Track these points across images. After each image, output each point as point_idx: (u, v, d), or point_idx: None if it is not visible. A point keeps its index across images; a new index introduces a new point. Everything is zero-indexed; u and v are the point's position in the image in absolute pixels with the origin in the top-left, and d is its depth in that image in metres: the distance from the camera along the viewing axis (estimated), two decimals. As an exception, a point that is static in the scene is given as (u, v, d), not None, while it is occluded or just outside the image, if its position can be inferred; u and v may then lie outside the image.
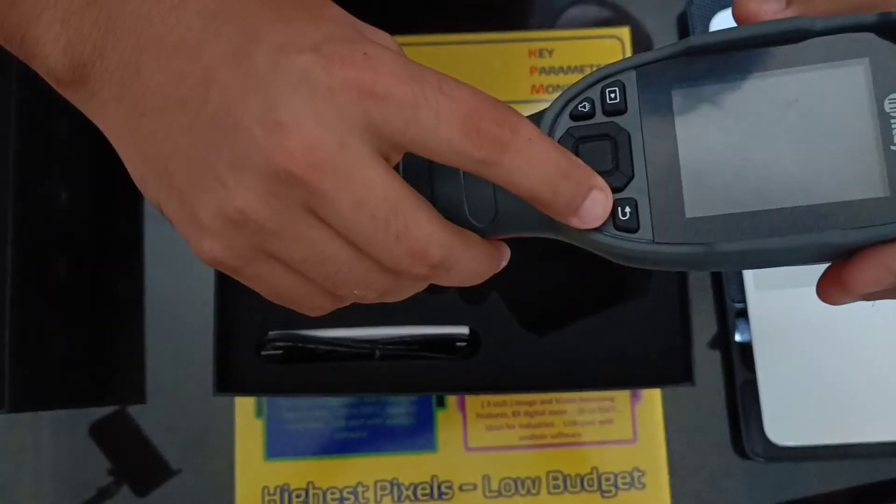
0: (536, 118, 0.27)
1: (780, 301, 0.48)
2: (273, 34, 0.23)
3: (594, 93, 0.27)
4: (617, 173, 0.26)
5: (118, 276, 0.51)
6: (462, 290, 0.46)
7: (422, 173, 0.27)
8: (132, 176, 0.26)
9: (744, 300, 0.49)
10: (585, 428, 0.49)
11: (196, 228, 0.25)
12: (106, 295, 0.51)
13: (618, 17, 0.54)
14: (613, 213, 0.26)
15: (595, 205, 0.25)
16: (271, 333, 0.45)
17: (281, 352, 0.45)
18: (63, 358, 0.47)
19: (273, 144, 0.22)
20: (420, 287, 0.28)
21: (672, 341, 0.46)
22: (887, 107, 0.24)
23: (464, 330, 0.46)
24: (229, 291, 0.46)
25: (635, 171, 0.26)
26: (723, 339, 0.50)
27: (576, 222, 0.25)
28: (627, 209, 0.26)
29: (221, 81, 0.23)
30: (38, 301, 0.45)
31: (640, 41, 0.54)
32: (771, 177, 0.25)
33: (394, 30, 0.51)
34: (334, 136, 0.23)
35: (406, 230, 0.24)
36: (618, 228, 0.26)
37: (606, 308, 0.46)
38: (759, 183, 0.25)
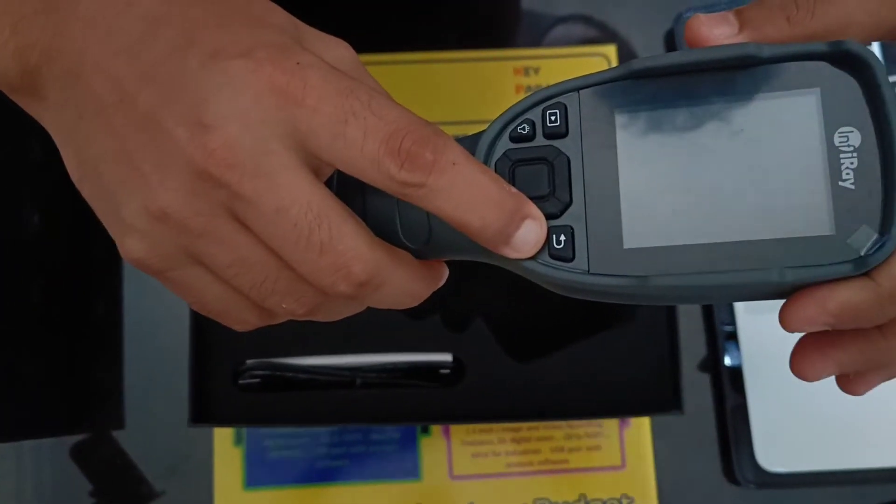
0: (476, 138, 0.26)
1: (770, 324, 0.47)
2: (208, 39, 0.23)
3: (535, 114, 0.26)
4: (553, 199, 0.25)
5: (94, 300, 0.50)
6: (445, 316, 0.45)
7: (355, 190, 0.26)
8: (72, 179, 0.26)
9: (734, 323, 0.48)
10: (573, 454, 0.48)
11: (121, 227, 0.25)
12: (82, 320, 0.50)
13: (604, 35, 0.54)
14: (548, 240, 0.25)
15: (528, 234, 0.24)
16: (249, 362, 0.44)
17: (259, 380, 0.44)
18: (37, 386, 0.46)
19: (194, 144, 0.23)
20: (355, 307, 0.27)
21: (660, 368, 0.45)
22: (837, 140, 0.23)
23: (447, 357, 0.45)
24: (205, 319, 0.44)
25: (573, 197, 0.25)
26: (712, 363, 0.49)
27: (508, 252, 0.25)
28: (563, 237, 0.25)
29: (154, 84, 0.23)
30: (10, 327, 0.44)
31: (627, 59, 0.53)
32: (713, 209, 0.24)
33: (379, 47, 0.51)
34: (257, 139, 0.23)
35: (330, 242, 0.23)
36: (552, 257, 0.25)
37: (593, 334, 0.45)
38: (700, 215, 0.24)
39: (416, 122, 0.23)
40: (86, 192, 0.26)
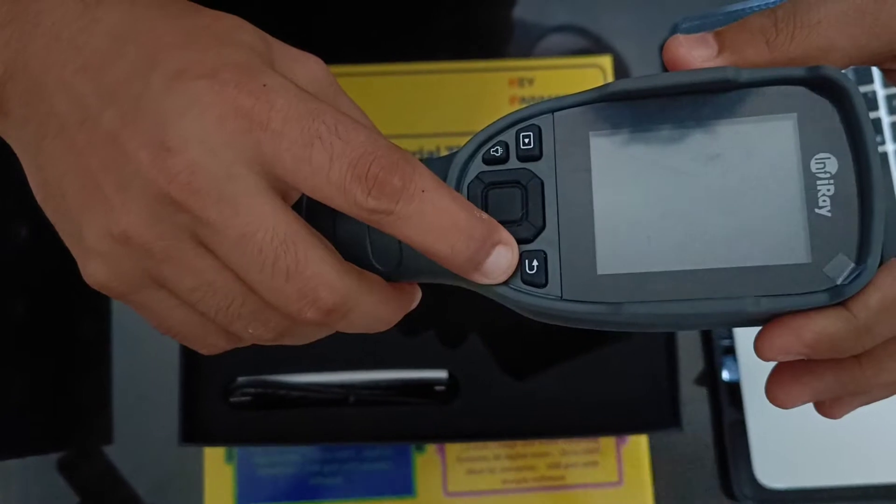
0: (448, 160, 0.26)
1: (768, 338, 0.47)
2: (173, 58, 0.23)
3: (509, 136, 0.26)
4: (526, 223, 0.25)
5: (83, 314, 0.49)
6: (440, 332, 0.45)
7: (325, 213, 0.26)
8: (36, 198, 0.25)
9: (731, 337, 0.48)
10: (569, 470, 0.48)
11: (83, 250, 0.24)
12: (70, 334, 0.49)
13: (600, 46, 0.53)
14: (521, 265, 0.25)
15: (499, 260, 0.24)
16: (240, 379, 0.43)
17: (250, 398, 0.43)
18: (24, 403, 0.45)
19: (157, 167, 0.22)
20: (324, 332, 0.27)
21: (658, 384, 0.44)
22: (814, 167, 0.23)
23: (442, 374, 0.44)
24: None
25: (547, 221, 0.25)
26: (710, 378, 0.49)
27: (479, 278, 0.24)
28: (535, 262, 0.25)
29: (117, 103, 0.23)
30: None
31: (622, 70, 0.52)
32: (688, 235, 0.24)
33: (373, 59, 0.50)
34: (221, 163, 0.22)
35: (296, 269, 0.23)
36: (525, 282, 0.25)
37: (590, 350, 0.45)
38: (675, 241, 0.24)
39: (385, 147, 0.23)
40: (48, 212, 0.25)
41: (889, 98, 0.48)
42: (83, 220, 0.24)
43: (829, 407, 0.26)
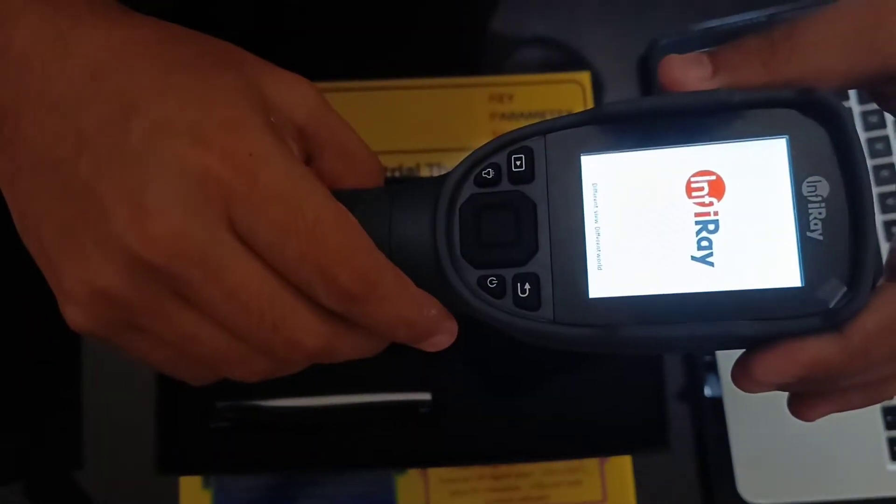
0: (441, 181, 0.26)
1: (749, 354, 0.47)
2: (152, 106, 0.22)
3: (500, 158, 0.25)
4: (519, 246, 0.25)
5: (52, 335, 0.48)
6: (423, 354, 0.44)
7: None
8: (16, 226, 0.25)
9: (713, 353, 0.48)
10: (553, 490, 0.47)
11: (62, 293, 0.24)
12: (38, 355, 0.47)
13: (579, 61, 0.53)
14: (513, 288, 0.25)
15: (437, 342, 0.26)
16: (219, 404, 0.42)
17: (230, 424, 0.42)
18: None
19: (136, 230, 0.22)
20: (309, 364, 0.27)
21: (645, 404, 0.44)
22: (805, 190, 0.23)
23: (425, 396, 0.43)
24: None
25: (539, 244, 0.25)
26: (692, 394, 0.49)
27: (420, 347, 0.26)
28: (528, 285, 0.24)
29: (93, 150, 0.22)
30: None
31: (601, 86, 0.52)
32: (680, 258, 0.24)
33: (352, 75, 0.50)
34: (202, 228, 0.22)
35: (283, 322, 0.23)
36: (517, 305, 0.25)
37: (575, 372, 0.45)
38: (667, 264, 0.24)
39: (359, 250, 0.23)
40: (27, 244, 0.25)
41: (865, 114, 0.48)
42: (61, 266, 0.23)
43: (802, 409, 0.26)
